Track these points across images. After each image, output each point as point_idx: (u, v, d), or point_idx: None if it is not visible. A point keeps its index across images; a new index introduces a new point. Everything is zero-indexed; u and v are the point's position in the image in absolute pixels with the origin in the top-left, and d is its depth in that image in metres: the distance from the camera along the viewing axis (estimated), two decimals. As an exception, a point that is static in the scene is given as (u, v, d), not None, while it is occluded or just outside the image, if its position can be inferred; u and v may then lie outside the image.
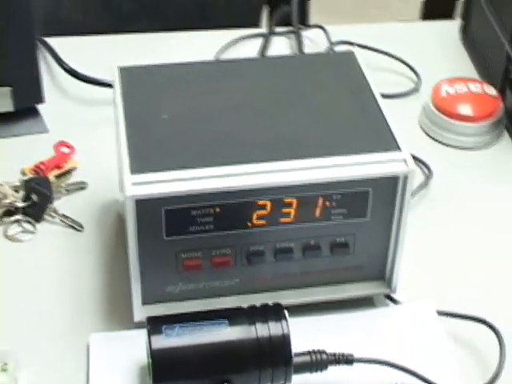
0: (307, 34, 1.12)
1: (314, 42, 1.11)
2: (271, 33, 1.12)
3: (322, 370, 0.70)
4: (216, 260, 0.75)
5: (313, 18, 1.35)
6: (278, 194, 0.72)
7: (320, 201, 0.73)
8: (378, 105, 0.77)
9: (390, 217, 0.75)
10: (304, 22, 1.32)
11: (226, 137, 0.74)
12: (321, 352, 0.70)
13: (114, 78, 0.80)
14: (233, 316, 0.70)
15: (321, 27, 1.11)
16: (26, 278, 0.82)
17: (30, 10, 0.93)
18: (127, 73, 0.80)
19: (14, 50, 0.94)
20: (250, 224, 0.73)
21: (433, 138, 0.98)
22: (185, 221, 0.72)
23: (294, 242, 0.75)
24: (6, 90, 0.95)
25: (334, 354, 0.71)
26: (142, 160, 0.71)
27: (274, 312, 0.70)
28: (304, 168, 0.71)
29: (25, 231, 0.86)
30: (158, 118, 0.75)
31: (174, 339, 0.68)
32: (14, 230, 0.86)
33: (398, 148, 0.73)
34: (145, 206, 0.70)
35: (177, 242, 0.73)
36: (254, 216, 0.73)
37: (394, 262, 0.77)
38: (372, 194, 0.73)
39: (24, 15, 0.93)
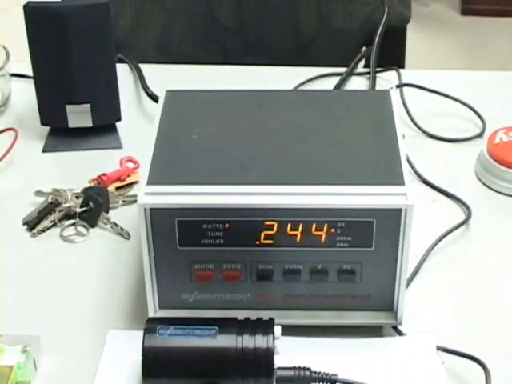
0: (383, 76, 1.16)
1: (388, 82, 1.14)
2: (349, 73, 1.16)
3: (304, 386, 0.74)
4: (227, 273, 0.80)
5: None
6: (283, 216, 0.76)
7: (325, 227, 0.77)
8: (396, 142, 0.80)
9: (396, 249, 0.77)
10: (400, 63, 1.36)
11: (242, 159, 0.79)
12: (305, 369, 0.74)
13: (160, 98, 0.87)
14: (224, 325, 0.74)
15: (396, 70, 1.14)
16: (69, 274, 0.90)
17: (112, 37, 1.03)
18: (173, 95, 0.87)
19: (95, 72, 1.03)
20: (258, 242, 0.78)
21: (483, 183, 0.99)
22: (197, 233, 0.77)
23: (302, 264, 0.79)
24: (87, 106, 1.05)
25: (318, 373, 0.74)
26: (161, 173, 0.78)
27: (263, 326, 0.74)
28: (308, 193, 0.75)
29: (78, 234, 0.95)
30: (188, 137, 0.82)
31: (165, 339, 0.73)
32: (69, 231, 0.95)
33: (402, 183, 0.76)
34: (159, 215, 0.76)
35: (190, 253, 0.79)
36: (262, 235, 0.77)
37: (399, 294, 0.79)
38: (376, 225, 0.76)
39: (107, 43, 1.03)
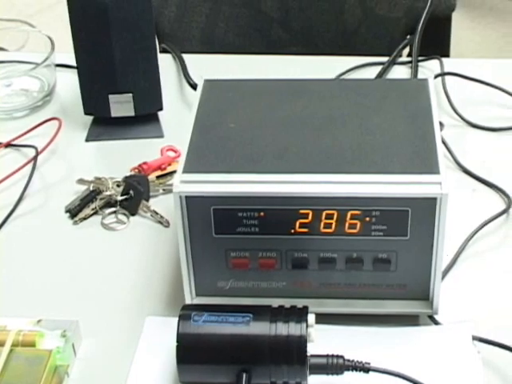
0: (426, 65, 1.16)
1: (430, 71, 1.14)
2: (391, 62, 1.15)
3: (337, 373, 0.74)
4: (262, 261, 0.80)
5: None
6: (318, 205, 0.77)
7: (360, 215, 0.77)
8: (433, 131, 0.80)
9: (431, 238, 0.77)
10: (445, 52, 1.35)
11: (277, 147, 0.79)
12: (338, 356, 0.74)
13: (198, 88, 0.88)
14: (258, 312, 0.75)
15: (438, 59, 1.13)
16: (109, 261, 0.91)
17: (153, 28, 1.04)
18: (211, 84, 0.88)
19: (137, 62, 1.04)
20: (293, 231, 0.78)
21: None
22: (232, 221, 0.78)
23: (337, 252, 0.79)
24: (129, 96, 1.06)
25: (352, 361, 0.74)
26: (197, 161, 0.78)
27: (297, 314, 0.75)
28: (343, 182, 0.75)
29: (119, 222, 0.96)
30: (224, 126, 0.82)
31: (199, 326, 0.74)
32: (110, 219, 0.96)
33: (437, 171, 0.75)
34: (194, 203, 0.77)
35: (225, 240, 0.79)
36: (297, 224, 0.78)
37: (435, 283, 0.79)
38: (411, 214, 0.76)
39: (148, 33, 1.03)
